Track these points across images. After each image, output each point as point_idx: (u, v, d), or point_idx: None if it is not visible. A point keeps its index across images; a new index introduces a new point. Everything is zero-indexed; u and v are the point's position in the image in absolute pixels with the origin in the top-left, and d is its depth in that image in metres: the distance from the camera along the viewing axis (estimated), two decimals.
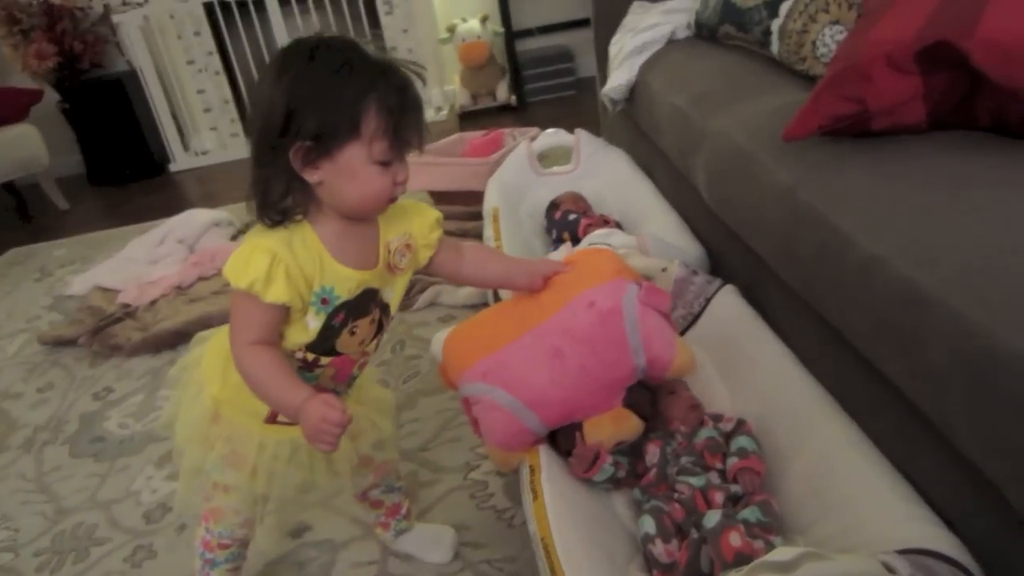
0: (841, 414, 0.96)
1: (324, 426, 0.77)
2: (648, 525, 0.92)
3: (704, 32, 1.78)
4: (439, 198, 2.58)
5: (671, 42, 1.90)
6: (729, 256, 1.39)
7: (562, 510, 0.90)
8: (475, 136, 2.75)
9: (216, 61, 4.12)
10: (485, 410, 1.01)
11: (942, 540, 0.74)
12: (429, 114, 4.11)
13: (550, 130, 2.14)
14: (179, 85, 4.11)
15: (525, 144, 2.10)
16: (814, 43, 1.31)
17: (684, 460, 1.01)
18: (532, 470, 0.98)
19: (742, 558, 0.79)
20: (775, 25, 1.42)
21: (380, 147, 0.79)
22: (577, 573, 0.80)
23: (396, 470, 1.13)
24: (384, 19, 4.00)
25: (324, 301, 0.84)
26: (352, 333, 0.88)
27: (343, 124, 0.77)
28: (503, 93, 3.96)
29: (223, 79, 4.15)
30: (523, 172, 2.07)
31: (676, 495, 0.96)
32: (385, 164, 0.80)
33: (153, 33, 3.88)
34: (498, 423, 1.00)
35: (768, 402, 1.06)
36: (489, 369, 1.01)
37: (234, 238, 2.56)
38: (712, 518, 0.85)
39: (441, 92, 4.24)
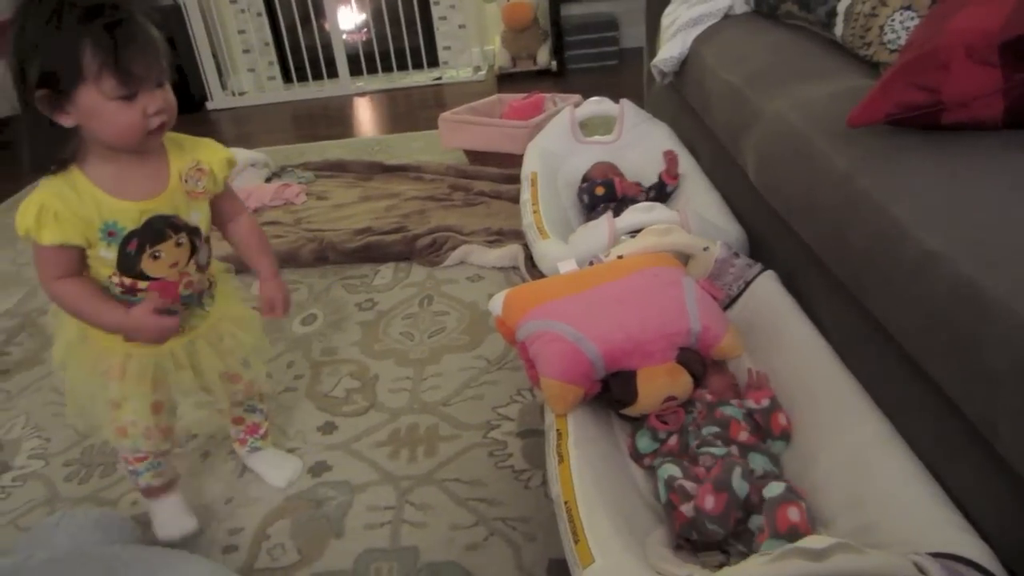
0: (876, 410, 0.94)
1: (164, 329, 0.96)
2: (672, 470, 0.95)
3: (764, 8, 1.74)
4: (475, 158, 2.57)
5: (727, 17, 1.86)
6: (771, 240, 1.37)
7: (587, 476, 0.90)
8: (515, 99, 2.71)
9: (259, 2, 4.11)
10: (546, 343, 1.04)
11: (974, 547, 0.73)
12: (466, 73, 4.07)
13: (594, 98, 2.11)
14: (221, 24, 4.09)
15: (569, 111, 2.07)
16: (882, 28, 1.27)
17: (706, 431, 1.01)
18: (559, 434, 0.98)
19: (794, 533, 0.79)
20: (841, 6, 1.38)
21: (109, 83, 0.84)
22: (599, 538, 0.81)
23: (260, 390, 1.24)
24: None
25: (111, 233, 0.93)
26: (155, 258, 0.97)
27: (65, 69, 0.83)
28: (544, 57, 3.91)
29: (264, 21, 4.14)
30: (564, 139, 2.05)
31: (699, 464, 0.97)
32: (128, 98, 0.86)
33: None
34: (559, 353, 1.02)
35: (801, 392, 1.05)
36: (553, 309, 1.07)
37: (268, 180, 2.56)
38: (775, 488, 0.85)
39: (481, 52, 4.19)
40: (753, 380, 1.08)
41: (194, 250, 1.01)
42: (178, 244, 0.99)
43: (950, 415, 0.79)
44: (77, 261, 0.94)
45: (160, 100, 0.89)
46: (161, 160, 0.97)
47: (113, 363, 1.02)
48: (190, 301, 1.05)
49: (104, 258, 0.94)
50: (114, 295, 0.98)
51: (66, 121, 0.87)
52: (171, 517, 1.16)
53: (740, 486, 0.87)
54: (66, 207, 0.89)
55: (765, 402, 1.04)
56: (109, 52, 0.83)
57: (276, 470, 1.26)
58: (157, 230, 0.96)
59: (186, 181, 0.98)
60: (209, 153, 1.01)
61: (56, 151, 0.89)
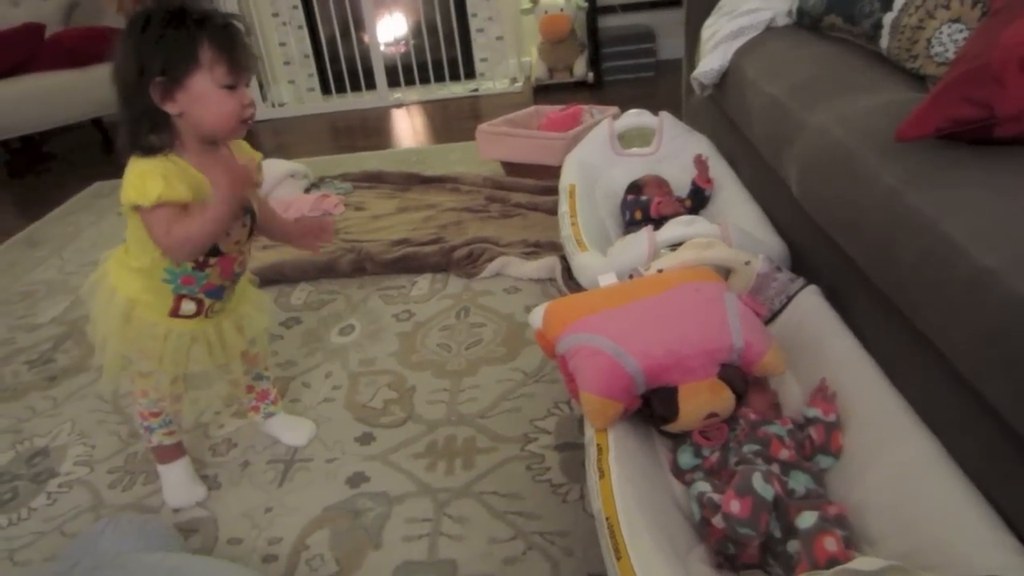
0: (923, 428, 0.92)
1: (240, 177, 1.02)
2: (703, 486, 0.96)
3: (806, 21, 1.72)
4: (512, 169, 2.57)
5: (769, 29, 1.84)
6: (813, 254, 1.35)
7: (628, 491, 0.89)
8: (553, 110, 2.71)
9: (300, 15, 4.17)
10: (586, 357, 1.03)
11: None
12: (503, 84, 4.09)
13: (633, 110, 2.10)
14: (263, 36, 4.17)
15: (607, 123, 2.07)
16: (929, 40, 1.25)
17: (746, 449, 1.00)
18: (600, 449, 0.97)
19: (834, 563, 0.77)
20: (887, 19, 1.36)
21: (221, 71, 0.99)
22: (641, 554, 0.80)
23: (265, 361, 1.36)
24: None
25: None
26: (228, 235, 1.11)
27: (183, 58, 0.97)
28: (580, 69, 3.91)
29: (305, 34, 4.21)
30: (602, 151, 2.04)
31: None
32: (231, 88, 1.00)
33: None
34: (599, 367, 1.01)
35: (845, 408, 1.03)
36: (593, 323, 1.07)
37: (307, 190, 2.60)
38: (808, 519, 0.83)
39: (518, 63, 4.21)
40: (826, 391, 1.06)
41: (250, 232, 1.17)
42: (243, 224, 1.14)
43: (1002, 434, 0.77)
44: None
45: (251, 95, 1.04)
46: (228, 153, 1.11)
47: (153, 346, 1.13)
48: (235, 279, 1.19)
49: None
50: (185, 270, 1.10)
51: (172, 108, 1.00)
52: (181, 483, 1.28)
53: (763, 488, 0.86)
54: (182, 175, 1.02)
55: (833, 416, 1.02)
56: (224, 44, 0.99)
57: (293, 431, 1.39)
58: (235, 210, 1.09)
59: (249, 171, 1.10)
60: (250, 151, 1.18)
61: (155, 133, 1.01)
